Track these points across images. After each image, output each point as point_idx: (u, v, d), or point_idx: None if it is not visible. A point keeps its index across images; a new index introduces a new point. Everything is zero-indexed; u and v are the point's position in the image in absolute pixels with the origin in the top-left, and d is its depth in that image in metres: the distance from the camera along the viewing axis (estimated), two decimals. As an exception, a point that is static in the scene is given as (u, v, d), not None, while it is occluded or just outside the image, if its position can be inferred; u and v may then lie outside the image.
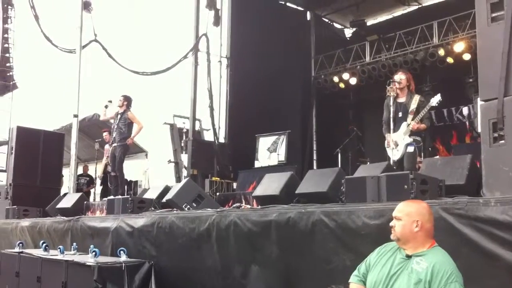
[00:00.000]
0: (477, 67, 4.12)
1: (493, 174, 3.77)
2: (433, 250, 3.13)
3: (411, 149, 6.72)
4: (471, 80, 12.06)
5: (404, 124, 6.87)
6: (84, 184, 13.77)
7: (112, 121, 10.28)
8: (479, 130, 4.22)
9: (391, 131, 6.90)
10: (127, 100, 10.01)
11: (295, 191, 5.48)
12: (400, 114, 6.94)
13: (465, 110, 10.75)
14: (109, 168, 11.51)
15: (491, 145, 3.83)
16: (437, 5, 14.69)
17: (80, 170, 14.46)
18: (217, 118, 13.63)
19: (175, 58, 12.82)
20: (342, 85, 15.22)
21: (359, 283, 3.34)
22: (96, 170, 13.34)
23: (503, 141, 3.75)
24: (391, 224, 3.22)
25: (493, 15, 4.00)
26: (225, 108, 14.11)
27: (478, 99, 4.31)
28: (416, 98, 6.93)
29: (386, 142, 7.05)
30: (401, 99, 7.03)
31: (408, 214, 3.18)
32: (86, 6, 11.60)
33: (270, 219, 4.87)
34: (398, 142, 6.88)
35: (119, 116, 9.99)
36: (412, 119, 6.81)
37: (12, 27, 15.73)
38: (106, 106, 10.35)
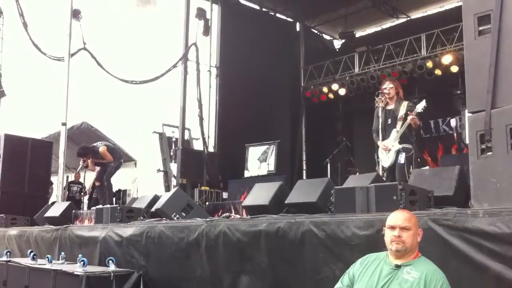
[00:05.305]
0: (464, 79, 4.18)
1: (481, 186, 3.80)
2: (420, 259, 3.16)
3: (402, 160, 6.76)
4: (458, 92, 12.15)
5: (394, 131, 6.91)
6: (76, 192, 13.68)
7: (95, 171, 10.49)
8: (467, 141, 4.27)
9: (381, 138, 6.99)
10: (84, 154, 9.97)
11: (285, 201, 5.49)
12: (389, 121, 7.00)
13: (452, 122, 10.85)
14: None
15: (478, 156, 3.87)
16: (425, 18, 14.86)
17: (72, 178, 14.38)
18: (207, 127, 13.60)
19: (164, 67, 12.83)
20: (331, 95, 15.29)
21: None
22: (85, 178, 13.30)
23: (490, 153, 3.79)
24: (396, 234, 3.13)
25: (480, 28, 4.05)
26: (215, 118, 14.10)
27: (466, 111, 4.36)
28: (404, 104, 6.98)
29: (379, 150, 7.08)
30: (390, 106, 7.09)
31: (415, 224, 3.20)
32: (76, 15, 11.57)
33: (259, 229, 4.87)
34: (388, 149, 6.92)
35: (95, 164, 10.13)
36: (401, 126, 6.86)
37: (0, 34, 15.63)
38: (86, 166, 10.34)
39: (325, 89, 15.25)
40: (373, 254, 3.34)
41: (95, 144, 10.16)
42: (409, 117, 6.74)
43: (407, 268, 3.09)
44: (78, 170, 10.69)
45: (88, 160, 9.96)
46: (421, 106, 6.81)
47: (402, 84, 8.46)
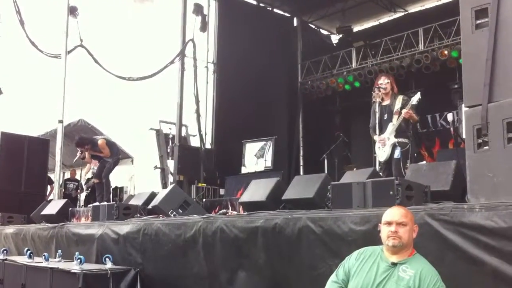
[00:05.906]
0: (462, 73, 4.15)
1: (478, 180, 3.78)
2: (415, 257, 3.17)
3: (397, 154, 6.76)
4: (456, 86, 12.14)
5: (390, 125, 6.92)
6: (73, 189, 13.64)
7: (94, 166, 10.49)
8: (464, 136, 4.26)
9: (378, 134, 6.99)
10: (82, 144, 9.98)
11: (282, 197, 5.46)
12: (385, 117, 7.02)
13: (449, 116, 10.84)
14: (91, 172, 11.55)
15: (475, 151, 3.85)
16: (422, 12, 14.83)
17: (67, 175, 14.34)
18: (204, 123, 13.60)
19: (161, 63, 12.78)
20: (328, 91, 15.24)
21: None
22: (81, 175, 13.25)
23: (487, 147, 3.77)
24: (393, 229, 3.16)
25: (478, 22, 4.03)
26: (212, 114, 14.10)
27: (463, 105, 4.33)
28: (400, 98, 7.01)
29: (376, 144, 7.08)
30: (386, 102, 7.11)
31: (411, 219, 3.22)
32: (72, 11, 11.52)
33: (256, 225, 4.86)
34: (385, 142, 6.93)
35: (92, 157, 10.23)
36: (397, 119, 6.87)
37: (-4, 32, 15.58)
38: (83, 158, 10.39)
39: (322, 85, 15.21)
40: (369, 248, 3.34)
41: (94, 137, 10.22)
42: (403, 111, 6.75)
43: (403, 266, 3.10)
44: (74, 160, 10.70)
45: (86, 152, 9.97)
46: (415, 98, 6.82)
47: (399, 78, 8.46)
